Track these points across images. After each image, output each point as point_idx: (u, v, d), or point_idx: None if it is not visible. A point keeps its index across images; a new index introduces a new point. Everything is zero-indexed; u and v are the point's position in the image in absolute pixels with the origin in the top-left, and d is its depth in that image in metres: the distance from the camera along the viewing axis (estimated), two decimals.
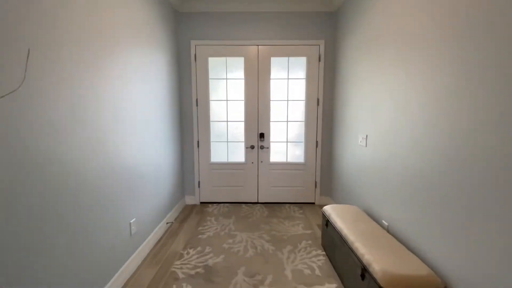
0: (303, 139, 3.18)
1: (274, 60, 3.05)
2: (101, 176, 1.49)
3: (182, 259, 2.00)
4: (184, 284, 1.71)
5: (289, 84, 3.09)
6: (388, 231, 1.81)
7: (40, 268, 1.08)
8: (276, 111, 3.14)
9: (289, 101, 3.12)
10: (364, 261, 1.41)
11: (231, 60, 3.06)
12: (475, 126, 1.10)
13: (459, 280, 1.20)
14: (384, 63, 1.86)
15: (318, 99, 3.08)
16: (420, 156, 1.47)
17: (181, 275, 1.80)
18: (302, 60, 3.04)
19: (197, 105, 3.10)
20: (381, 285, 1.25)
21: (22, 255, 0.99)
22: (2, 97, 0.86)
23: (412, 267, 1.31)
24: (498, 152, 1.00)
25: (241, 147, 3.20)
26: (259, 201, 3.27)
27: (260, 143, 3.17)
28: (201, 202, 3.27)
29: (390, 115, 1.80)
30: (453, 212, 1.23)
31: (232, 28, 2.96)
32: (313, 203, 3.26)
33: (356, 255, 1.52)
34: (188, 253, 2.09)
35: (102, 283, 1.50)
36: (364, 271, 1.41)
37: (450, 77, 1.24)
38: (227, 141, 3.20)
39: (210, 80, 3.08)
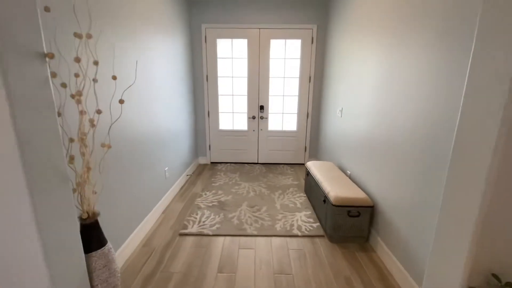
0: (296, 111, 3.79)
1: (273, 42, 3.54)
2: (148, 135, 2.16)
3: (201, 197, 2.77)
4: (205, 211, 2.47)
5: (286, 63, 3.62)
6: (349, 177, 2.51)
7: (128, 181, 1.80)
8: (275, 86, 3.71)
9: (285, 78, 3.68)
10: (326, 192, 2.13)
11: (236, 41, 3.55)
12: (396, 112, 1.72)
13: (381, 200, 1.91)
14: (355, 48, 2.41)
15: (310, 77, 3.63)
16: (369, 125, 2.10)
17: (202, 206, 2.57)
18: (298, 42, 3.53)
19: (207, 81, 3.67)
20: (333, 203, 1.98)
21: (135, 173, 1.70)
22: (127, 88, 1.55)
23: (355, 194, 2.02)
24: (407, 129, 1.63)
25: (244, 117, 3.83)
26: (259, 162, 3.99)
27: (260, 114, 3.79)
28: (211, 162, 4.00)
29: (355, 92, 2.40)
30: (383, 164, 1.90)
31: (237, 13, 3.41)
32: (303, 163, 3.97)
33: (322, 190, 2.24)
34: (205, 194, 2.85)
35: (152, 205, 2.26)
36: (325, 198, 2.13)
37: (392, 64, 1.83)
38: (233, 112, 3.83)
39: (218, 59, 3.60)
